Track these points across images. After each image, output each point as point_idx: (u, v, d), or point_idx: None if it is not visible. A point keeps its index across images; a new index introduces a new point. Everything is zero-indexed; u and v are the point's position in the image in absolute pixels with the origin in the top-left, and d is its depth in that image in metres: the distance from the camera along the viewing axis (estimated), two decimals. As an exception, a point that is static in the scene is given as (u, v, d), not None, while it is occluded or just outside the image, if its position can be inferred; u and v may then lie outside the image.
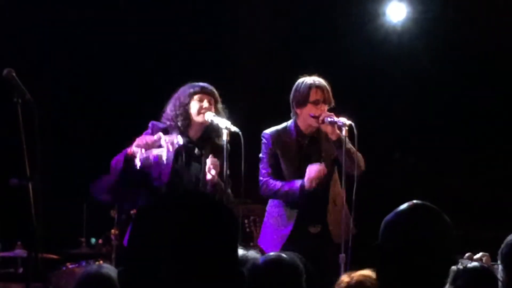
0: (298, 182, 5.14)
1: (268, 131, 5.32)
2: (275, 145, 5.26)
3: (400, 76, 8.28)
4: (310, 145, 5.30)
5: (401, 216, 2.38)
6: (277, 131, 5.31)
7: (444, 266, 2.35)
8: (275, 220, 5.31)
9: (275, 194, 5.22)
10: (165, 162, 4.82)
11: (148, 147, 4.75)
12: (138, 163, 4.71)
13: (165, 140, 4.73)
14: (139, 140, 4.78)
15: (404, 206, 2.41)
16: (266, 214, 5.43)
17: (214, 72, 7.42)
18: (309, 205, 5.19)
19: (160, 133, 4.79)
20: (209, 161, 4.93)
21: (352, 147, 5.10)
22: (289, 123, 5.33)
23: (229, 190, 5.03)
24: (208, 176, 4.92)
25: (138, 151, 4.72)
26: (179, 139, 4.79)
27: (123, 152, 4.83)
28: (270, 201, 5.40)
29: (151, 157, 4.77)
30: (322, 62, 6.79)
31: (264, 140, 5.30)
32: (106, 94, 7.92)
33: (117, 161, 4.83)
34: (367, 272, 3.15)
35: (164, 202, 1.59)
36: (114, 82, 8.00)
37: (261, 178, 5.25)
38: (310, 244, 5.06)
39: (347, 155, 5.03)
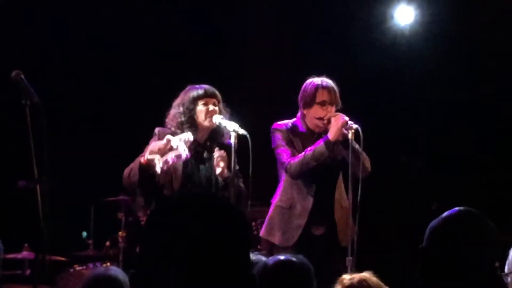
0: (319, 141, 5.09)
1: (281, 123, 5.28)
2: (292, 135, 5.23)
3: (408, 79, 8.27)
4: None
5: (447, 221, 2.45)
6: (291, 124, 5.28)
7: (488, 272, 2.38)
8: (287, 211, 5.20)
9: (304, 163, 5.08)
10: (184, 158, 4.70)
11: (161, 152, 4.66)
12: (158, 169, 4.62)
13: (179, 139, 4.68)
14: (152, 147, 4.70)
15: (449, 212, 2.47)
16: (272, 208, 5.27)
17: (221, 74, 7.44)
18: (313, 206, 5.16)
19: (169, 136, 4.72)
20: (216, 153, 4.90)
21: (359, 148, 5.09)
22: (293, 120, 5.30)
23: (241, 184, 5.01)
24: (218, 170, 4.89)
25: (153, 158, 4.63)
26: (189, 135, 4.74)
27: (136, 163, 4.74)
28: (279, 195, 5.27)
29: (170, 160, 4.69)
30: (330, 65, 6.78)
31: (278, 131, 5.23)
32: (113, 97, 7.93)
33: (132, 172, 4.73)
34: (367, 275, 3.16)
35: (175, 205, 1.58)
36: (120, 85, 8.01)
37: (284, 161, 5.14)
38: (314, 246, 5.03)
39: (354, 155, 5.01)
